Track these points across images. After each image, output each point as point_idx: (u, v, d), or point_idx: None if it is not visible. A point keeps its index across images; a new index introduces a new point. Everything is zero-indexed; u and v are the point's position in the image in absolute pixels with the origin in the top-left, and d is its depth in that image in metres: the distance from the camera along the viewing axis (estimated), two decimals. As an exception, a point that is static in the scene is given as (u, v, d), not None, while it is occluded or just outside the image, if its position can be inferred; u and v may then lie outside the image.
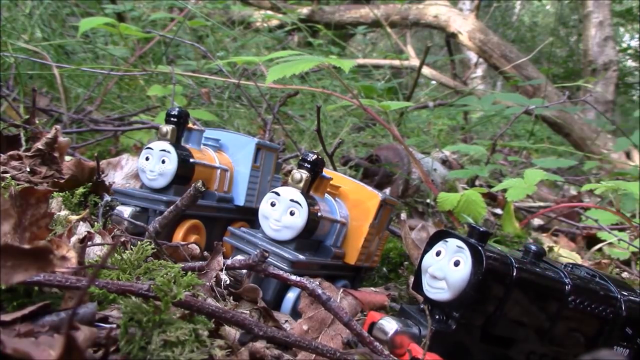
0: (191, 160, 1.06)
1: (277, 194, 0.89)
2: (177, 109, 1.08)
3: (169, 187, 1.05)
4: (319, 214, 0.90)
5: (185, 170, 1.06)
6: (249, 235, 0.91)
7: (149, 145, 1.06)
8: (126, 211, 1.02)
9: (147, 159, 1.05)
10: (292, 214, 0.88)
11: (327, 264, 0.94)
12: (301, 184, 0.89)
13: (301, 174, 0.89)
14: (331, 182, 0.98)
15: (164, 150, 1.04)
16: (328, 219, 0.93)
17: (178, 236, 1.02)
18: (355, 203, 1.00)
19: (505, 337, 0.79)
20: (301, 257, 0.87)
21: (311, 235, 0.91)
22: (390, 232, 1.40)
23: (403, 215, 1.24)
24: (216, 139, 1.18)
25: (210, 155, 1.13)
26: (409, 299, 1.15)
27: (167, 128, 1.06)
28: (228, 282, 0.82)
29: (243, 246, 0.90)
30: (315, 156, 0.90)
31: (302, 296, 0.82)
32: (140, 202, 1.05)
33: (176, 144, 1.06)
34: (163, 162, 1.04)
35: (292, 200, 0.88)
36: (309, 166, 0.90)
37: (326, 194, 0.97)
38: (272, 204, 0.89)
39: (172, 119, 1.07)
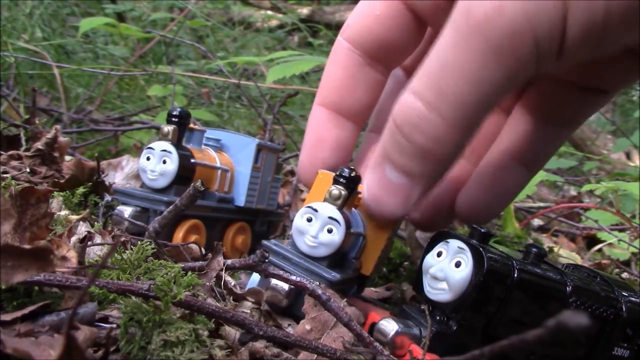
0: (192, 160, 1.06)
1: (315, 209, 0.87)
2: (178, 109, 1.07)
3: (170, 187, 1.05)
4: (352, 230, 0.88)
5: (186, 171, 1.05)
6: (282, 249, 0.89)
7: (150, 145, 1.06)
8: (126, 211, 1.02)
9: (148, 158, 1.05)
10: (329, 231, 0.86)
11: (351, 277, 0.92)
12: (339, 201, 0.87)
13: (340, 191, 0.87)
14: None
15: (165, 151, 1.04)
16: (356, 234, 0.91)
17: (178, 236, 1.02)
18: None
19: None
20: (338, 276, 0.85)
21: (341, 251, 0.90)
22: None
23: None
24: (217, 139, 1.18)
25: (211, 155, 1.13)
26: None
27: (168, 128, 1.05)
28: (267, 307, 0.81)
29: (278, 261, 0.88)
30: (352, 172, 0.88)
31: (306, 297, 0.82)
32: (140, 202, 1.05)
33: (177, 144, 1.06)
34: (164, 162, 1.04)
35: (330, 218, 0.86)
36: (345, 182, 0.88)
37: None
38: (309, 220, 0.87)
39: (173, 119, 1.07)
